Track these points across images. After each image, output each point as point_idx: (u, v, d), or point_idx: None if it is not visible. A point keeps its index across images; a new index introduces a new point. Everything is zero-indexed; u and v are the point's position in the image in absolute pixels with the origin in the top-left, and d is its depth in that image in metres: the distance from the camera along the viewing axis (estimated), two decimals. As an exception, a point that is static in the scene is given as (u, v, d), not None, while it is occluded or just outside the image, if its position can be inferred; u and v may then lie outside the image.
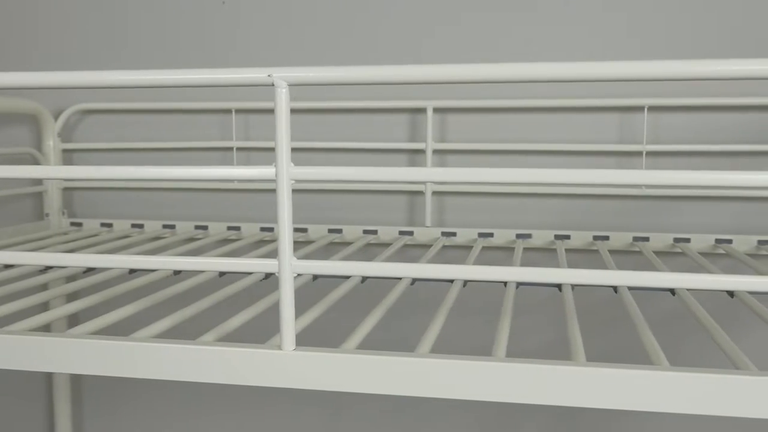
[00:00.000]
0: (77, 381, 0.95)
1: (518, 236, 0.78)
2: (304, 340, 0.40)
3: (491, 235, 0.79)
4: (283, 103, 0.36)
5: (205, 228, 0.85)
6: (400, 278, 0.57)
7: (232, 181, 0.75)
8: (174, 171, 0.38)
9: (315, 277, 0.59)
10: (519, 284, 0.56)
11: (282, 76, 0.36)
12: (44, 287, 0.74)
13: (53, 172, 0.41)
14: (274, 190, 0.37)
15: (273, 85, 0.36)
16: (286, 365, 0.38)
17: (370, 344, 0.43)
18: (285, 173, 0.36)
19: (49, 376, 0.95)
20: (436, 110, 0.81)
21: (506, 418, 0.86)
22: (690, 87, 0.76)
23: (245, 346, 0.39)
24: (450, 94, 0.80)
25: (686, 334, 0.80)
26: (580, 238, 0.77)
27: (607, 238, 0.77)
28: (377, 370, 0.37)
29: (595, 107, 0.78)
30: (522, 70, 0.34)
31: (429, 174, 0.38)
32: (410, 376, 0.37)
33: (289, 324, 0.38)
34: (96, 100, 0.88)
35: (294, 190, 0.83)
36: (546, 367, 0.36)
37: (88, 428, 0.96)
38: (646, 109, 0.77)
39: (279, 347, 0.39)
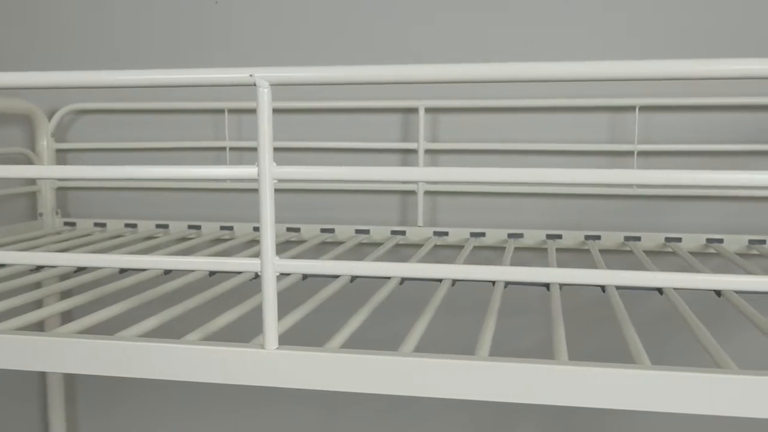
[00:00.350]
0: (71, 380, 0.95)
1: (510, 236, 0.78)
2: (294, 339, 0.40)
3: (483, 234, 0.79)
4: (265, 102, 0.36)
5: (198, 228, 0.85)
6: (389, 278, 0.57)
7: (224, 180, 0.75)
8: (159, 170, 0.38)
9: (304, 276, 0.59)
10: (507, 284, 0.56)
11: (263, 76, 0.36)
12: (37, 286, 0.74)
13: (47, 171, 0.41)
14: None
15: (255, 84, 0.36)
16: (268, 364, 0.38)
17: (358, 343, 0.43)
18: (267, 173, 0.36)
19: (43, 376, 0.95)
20: (427, 110, 0.81)
21: (502, 417, 0.86)
22: (682, 87, 0.76)
23: (228, 345, 0.39)
24: (442, 94, 0.80)
25: (674, 333, 0.80)
26: (571, 238, 0.77)
27: (598, 237, 0.77)
28: (359, 368, 0.38)
29: (587, 107, 0.78)
30: (513, 70, 0.34)
31: (419, 174, 0.38)
32: (392, 374, 0.37)
33: (272, 323, 0.38)
34: (89, 100, 0.88)
35: (286, 190, 0.85)
36: (527, 366, 0.36)
37: (83, 428, 0.96)
38: (637, 109, 0.77)
39: (262, 346, 0.39)
